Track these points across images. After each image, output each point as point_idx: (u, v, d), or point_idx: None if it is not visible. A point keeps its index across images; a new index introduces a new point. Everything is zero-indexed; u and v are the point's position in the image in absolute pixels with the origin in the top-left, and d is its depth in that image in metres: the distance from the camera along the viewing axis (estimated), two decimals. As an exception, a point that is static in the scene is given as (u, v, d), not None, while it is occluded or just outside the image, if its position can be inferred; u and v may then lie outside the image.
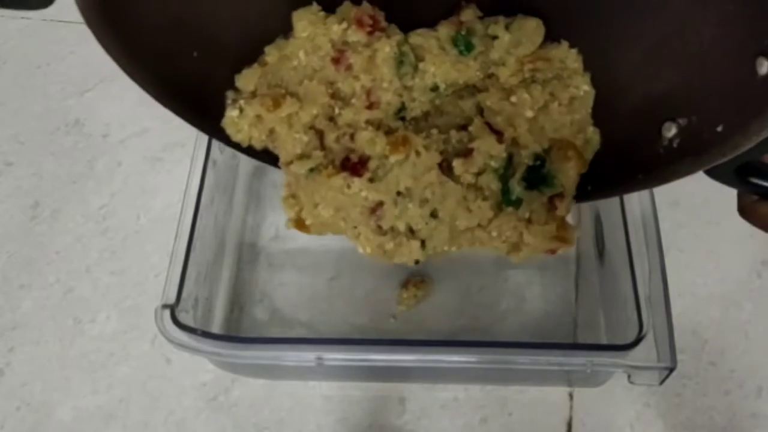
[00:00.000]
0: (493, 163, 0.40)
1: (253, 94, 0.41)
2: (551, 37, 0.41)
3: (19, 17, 0.66)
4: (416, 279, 0.56)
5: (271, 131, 0.42)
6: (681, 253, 0.57)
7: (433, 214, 0.41)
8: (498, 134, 0.41)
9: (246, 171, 0.61)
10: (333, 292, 0.57)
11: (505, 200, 0.41)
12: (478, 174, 0.41)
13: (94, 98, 0.68)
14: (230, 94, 0.42)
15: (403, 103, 0.42)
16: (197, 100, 0.41)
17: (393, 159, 0.40)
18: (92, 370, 0.54)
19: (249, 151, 0.43)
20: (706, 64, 0.33)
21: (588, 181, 0.41)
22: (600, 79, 0.41)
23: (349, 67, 0.41)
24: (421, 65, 0.42)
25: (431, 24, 0.42)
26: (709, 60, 0.33)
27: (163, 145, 0.65)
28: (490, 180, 0.41)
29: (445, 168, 0.41)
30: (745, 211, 0.36)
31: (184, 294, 0.45)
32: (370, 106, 0.42)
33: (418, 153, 0.40)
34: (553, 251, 0.41)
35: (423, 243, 0.42)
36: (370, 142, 0.40)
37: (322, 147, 0.42)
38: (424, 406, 0.52)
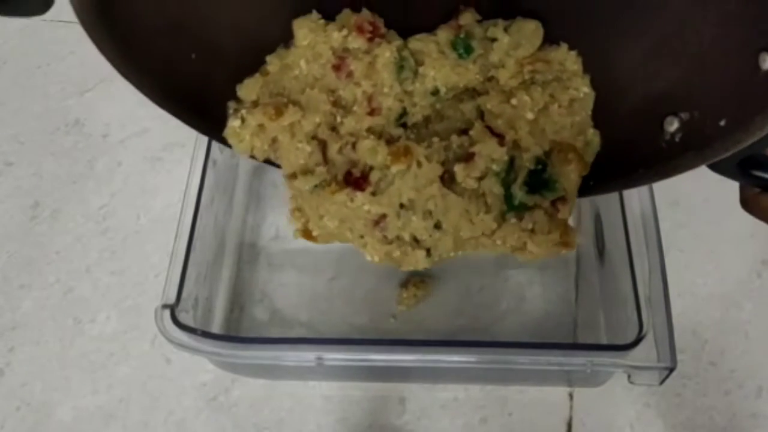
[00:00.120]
0: (494, 167, 0.40)
1: (255, 104, 0.41)
2: (550, 39, 0.41)
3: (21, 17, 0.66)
4: (416, 279, 0.56)
5: (274, 141, 0.42)
6: (681, 253, 0.57)
7: (437, 226, 0.42)
8: (499, 137, 0.41)
9: (246, 171, 0.61)
10: (333, 292, 0.57)
11: (508, 205, 0.41)
12: (480, 178, 0.41)
13: (94, 98, 0.68)
14: (232, 105, 0.42)
15: (404, 109, 0.43)
16: (196, 103, 0.41)
17: (395, 169, 0.40)
18: (92, 370, 0.54)
19: None
20: (707, 61, 0.33)
21: (589, 176, 0.41)
22: (600, 81, 0.41)
23: (350, 74, 0.42)
24: (420, 69, 0.42)
25: (430, 29, 0.42)
26: (711, 57, 0.33)
27: (163, 145, 0.65)
28: (492, 184, 0.41)
29: (447, 180, 0.41)
30: (747, 203, 0.36)
31: (184, 294, 0.45)
32: (372, 113, 0.42)
33: (419, 164, 0.40)
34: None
35: (428, 251, 0.43)
36: (371, 151, 0.41)
37: (325, 159, 0.42)
38: (424, 406, 0.52)
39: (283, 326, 0.55)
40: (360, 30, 0.41)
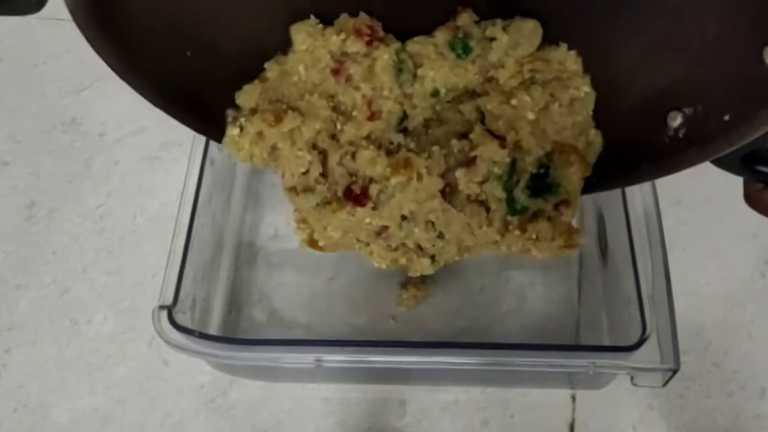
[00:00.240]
0: (496, 170, 0.40)
1: (254, 111, 0.41)
2: (549, 39, 0.41)
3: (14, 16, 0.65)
4: (416, 279, 0.55)
5: (273, 148, 0.41)
6: (684, 252, 0.57)
7: (440, 236, 0.42)
8: (500, 140, 0.40)
9: (244, 170, 0.61)
10: (332, 292, 0.56)
11: (511, 210, 0.40)
12: (482, 183, 0.40)
13: (91, 97, 0.68)
14: (231, 113, 0.42)
15: (404, 112, 0.43)
16: (193, 103, 0.41)
17: (394, 181, 0.40)
18: (89, 372, 0.53)
19: None
20: (711, 56, 0.33)
21: (592, 173, 0.41)
22: (600, 80, 0.40)
23: (349, 78, 0.42)
24: (419, 71, 0.42)
25: (428, 31, 0.42)
26: (714, 52, 0.33)
27: (160, 144, 0.64)
28: (494, 188, 0.40)
29: (449, 194, 0.41)
30: (750, 198, 0.36)
31: (182, 295, 0.44)
32: (372, 117, 0.42)
33: (420, 176, 0.40)
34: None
35: (433, 258, 0.43)
36: (371, 162, 0.40)
37: (325, 170, 0.41)
38: (424, 408, 0.51)
39: (282, 327, 0.55)
40: (358, 33, 0.41)
